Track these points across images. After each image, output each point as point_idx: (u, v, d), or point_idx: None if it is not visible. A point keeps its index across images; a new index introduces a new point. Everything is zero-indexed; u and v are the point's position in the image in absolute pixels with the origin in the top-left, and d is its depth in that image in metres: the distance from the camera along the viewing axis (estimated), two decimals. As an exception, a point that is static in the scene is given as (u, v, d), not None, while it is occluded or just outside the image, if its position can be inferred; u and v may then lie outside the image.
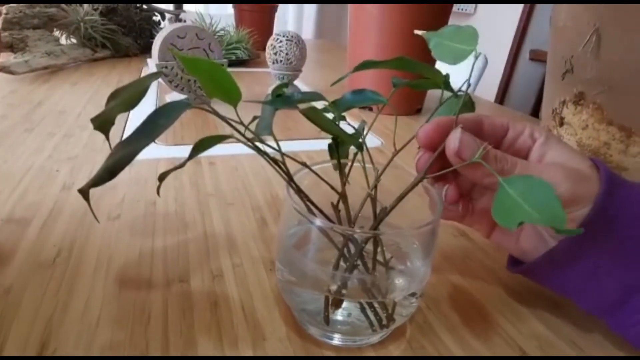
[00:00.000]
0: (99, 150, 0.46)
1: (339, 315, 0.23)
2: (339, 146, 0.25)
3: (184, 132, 0.54)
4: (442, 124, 0.24)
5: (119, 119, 0.56)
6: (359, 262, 0.23)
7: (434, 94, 0.78)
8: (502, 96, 2.18)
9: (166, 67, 0.63)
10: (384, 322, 0.22)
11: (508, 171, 0.22)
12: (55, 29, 0.91)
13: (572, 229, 0.21)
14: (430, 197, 0.25)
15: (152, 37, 1.05)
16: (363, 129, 0.25)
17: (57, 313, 0.24)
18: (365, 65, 0.25)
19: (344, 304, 0.23)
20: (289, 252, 0.24)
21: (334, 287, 0.22)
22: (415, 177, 0.24)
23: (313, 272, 0.22)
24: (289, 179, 0.23)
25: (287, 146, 0.51)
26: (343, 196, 0.25)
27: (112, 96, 0.23)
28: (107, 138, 0.22)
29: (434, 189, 0.25)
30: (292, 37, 0.76)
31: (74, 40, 0.94)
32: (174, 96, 0.68)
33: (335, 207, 0.25)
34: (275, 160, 0.22)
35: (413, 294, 0.24)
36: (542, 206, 0.18)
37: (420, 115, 0.74)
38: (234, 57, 1.01)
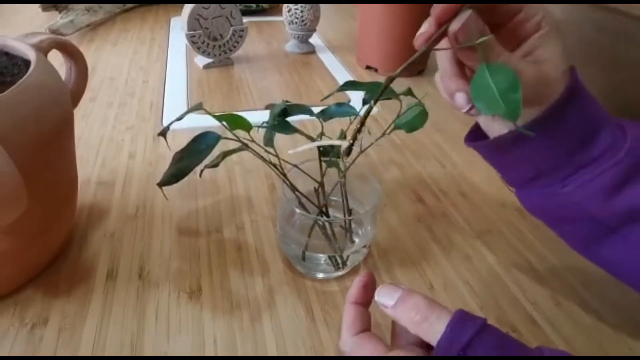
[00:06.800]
0: (147, 120, 0.59)
1: (315, 260, 0.37)
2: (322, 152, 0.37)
3: (213, 101, 0.65)
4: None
5: (158, 86, 0.68)
6: (328, 230, 0.36)
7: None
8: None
9: (194, 36, 0.72)
10: (341, 265, 0.37)
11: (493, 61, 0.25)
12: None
13: (525, 130, 0.25)
14: (372, 186, 0.37)
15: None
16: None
17: (145, 250, 0.39)
18: (346, 85, 0.37)
19: (318, 254, 0.37)
20: (283, 224, 0.37)
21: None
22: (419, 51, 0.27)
23: (296, 237, 0.36)
24: (284, 176, 0.35)
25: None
26: (321, 185, 0.37)
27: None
28: (166, 140, 0.35)
29: (375, 180, 0.37)
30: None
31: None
32: (200, 59, 0.78)
33: (316, 191, 0.38)
34: (274, 164, 0.35)
35: (364, 246, 0.38)
36: (508, 99, 0.22)
37: (422, 76, 0.81)
38: (254, 7, 1.06)
